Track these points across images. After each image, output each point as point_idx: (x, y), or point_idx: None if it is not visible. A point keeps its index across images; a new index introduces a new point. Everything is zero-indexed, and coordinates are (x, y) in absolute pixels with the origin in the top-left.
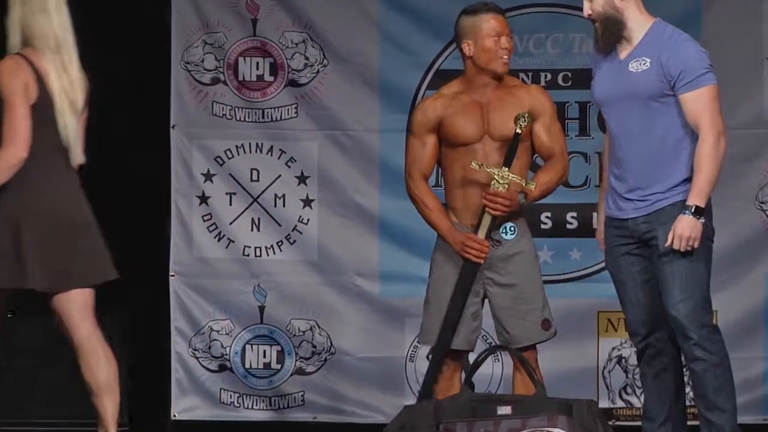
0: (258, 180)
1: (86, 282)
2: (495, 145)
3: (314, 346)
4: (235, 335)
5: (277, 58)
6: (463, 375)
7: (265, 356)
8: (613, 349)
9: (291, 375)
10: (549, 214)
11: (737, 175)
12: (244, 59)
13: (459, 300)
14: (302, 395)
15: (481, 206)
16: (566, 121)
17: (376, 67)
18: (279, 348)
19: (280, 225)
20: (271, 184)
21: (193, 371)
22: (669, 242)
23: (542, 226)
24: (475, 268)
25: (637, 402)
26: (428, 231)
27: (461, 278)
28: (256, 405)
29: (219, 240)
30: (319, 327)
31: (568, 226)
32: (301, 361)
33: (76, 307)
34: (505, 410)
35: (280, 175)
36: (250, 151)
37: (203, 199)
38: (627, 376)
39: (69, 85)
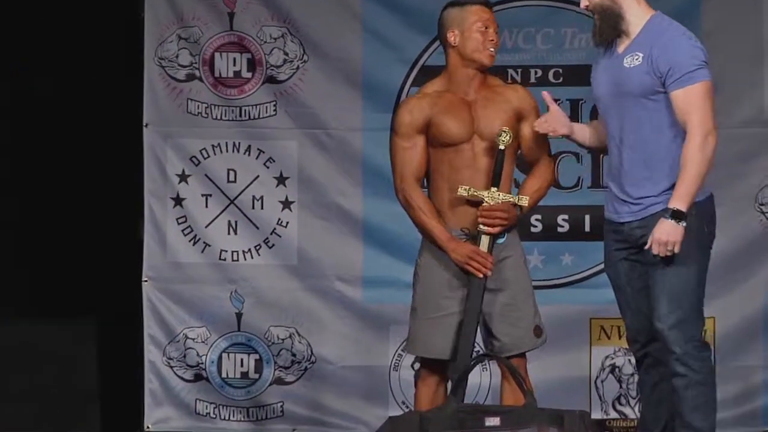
0: (235, 181)
1: None
2: (484, 145)
3: (294, 355)
4: (211, 343)
5: (255, 53)
6: (449, 385)
7: (242, 365)
8: (607, 357)
9: (270, 385)
10: (539, 217)
11: (735, 176)
12: (221, 55)
13: (473, 322)
14: (281, 406)
15: (468, 209)
16: None
17: (358, 63)
18: (257, 356)
19: (258, 228)
20: (248, 186)
21: (167, 381)
22: (648, 246)
23: (532, 230)
24: (480, 284)
25: (632, 413)
26: (414, 234)
27: (470, 298)
28: (233, 416)
29: (194, 244)
30: (299, 335)
31: (559, 230)
32: (281, 371)
33: None
34: (493, 422)
35: (258, 176)
36: (227, 151)
37: (178, 200)
38: (621, 386)
39: None
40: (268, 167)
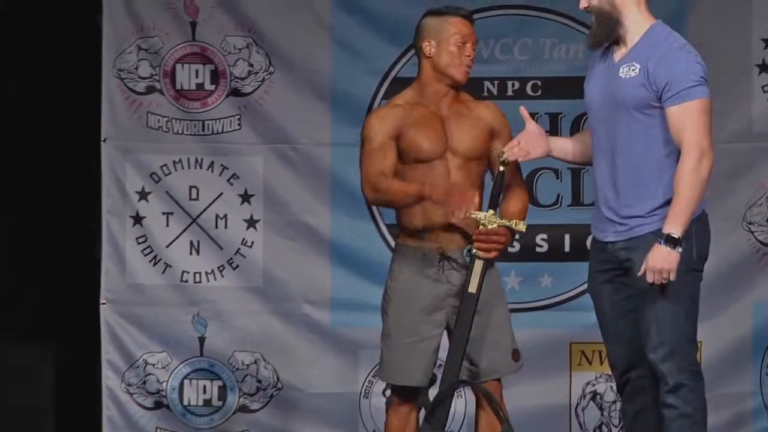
0: (197, 198)
1: None
2: (457, 162)
3: (259, 381)
4: (173, 369)
5: (218, 64)
6: (422, 413)
7: (205, 392)
8: (587, 384)
9: (234, 413)
10: (517, 237)
11: (723, 193)
12: (183, 66)
13: (465, 334)
14: None
15: (442, 229)
16: None
17: (327, 75)
18: (220, 383)
19: (221, 248)
20: (211, 204)
21: (126, 408)
22: (641, 273)
23: (509, 249)
24: (472, 299)
25: None
26: (385, 254)
27: (461, 314)
28: None
29: (155, 264)
30: (265, 360)
31: (538, 250)
32: (245, 398)
33: None
34: None
35: (221, 194)
36: (189, 167)
37: (137, 219)
38: (602, 414)
39: None
40: (232, 184)
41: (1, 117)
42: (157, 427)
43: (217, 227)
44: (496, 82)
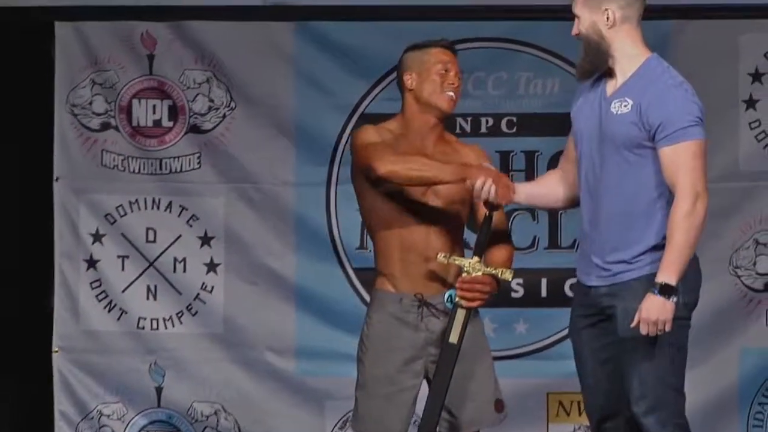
0: (155, 241)
1: None
2: (440, 204)
3: None
4: (129, 421)
5: (176, 100)
6: None
7: None
8: None
9: None
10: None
11: (708, 236)
12: (139, 101)
13: (444, 386)
14: None
15: (422, 273)
16: (511, 173)
17: (291, 111)
18: None
19: (180, 293)
20: (169, 246)
21: None
22: (635, 324)
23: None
24: (454, 348)
25: None
26: (352, 300)
27: (441, 361)
28: None
29: (110, 310)
30: (226, 411)
31: (513, 295)
32: None
33: None
34: None
35: (180, 236)
36: (146, 208)
37: (91, 263)
38: None
39: None
40: (191, 226)
41: None
42: None
43: (175, 271)
44: (469, 119)
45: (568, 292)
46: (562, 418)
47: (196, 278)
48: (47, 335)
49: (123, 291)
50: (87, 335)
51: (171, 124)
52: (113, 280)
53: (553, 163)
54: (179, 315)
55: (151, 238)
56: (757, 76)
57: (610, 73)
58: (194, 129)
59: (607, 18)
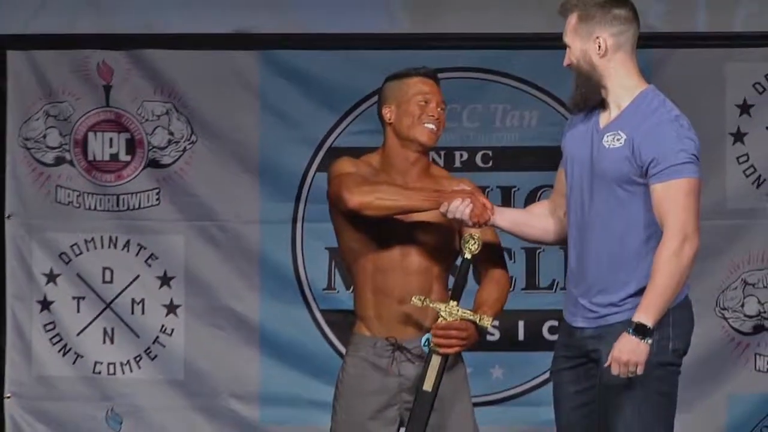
0: (111, 281)
1: None
2: (415, 248)
3: None
4: None
5: (134, 133)
6: None
7: None
8: None
9: None
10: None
11: (693, 276)
12: (95, 134)
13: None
14: None
15: (397, 317)
16: None
17: (255, 144)
18: None
19: (138, 336)
20: (127, 287)
21: None
22: (607, 364)
23: None
24: (429, 396)
25: None
26: (320, 344)
27: (416, 409)
28: None
29: (64, 355)
30: None
31: (489, 338)
32: None
33: None
34: None
35: (138, 276)
36: (102, 246)
37: (45, 304)
38: None
39: None
40: (150, 265)
41: None
42: None
43: (133, 313)
44: (442, 153)
45: (547, 335)
46: None
47: (155, 321)
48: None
49: (78, 334)
50: (40, 380)
51: (129, 158)
52: (68, 323)
53: (530, 199)
54: (137, 359)
55: (107, 278)
56: (745, 108)
57: (603, 105)
58: (153, 163)
59: (599, 47)
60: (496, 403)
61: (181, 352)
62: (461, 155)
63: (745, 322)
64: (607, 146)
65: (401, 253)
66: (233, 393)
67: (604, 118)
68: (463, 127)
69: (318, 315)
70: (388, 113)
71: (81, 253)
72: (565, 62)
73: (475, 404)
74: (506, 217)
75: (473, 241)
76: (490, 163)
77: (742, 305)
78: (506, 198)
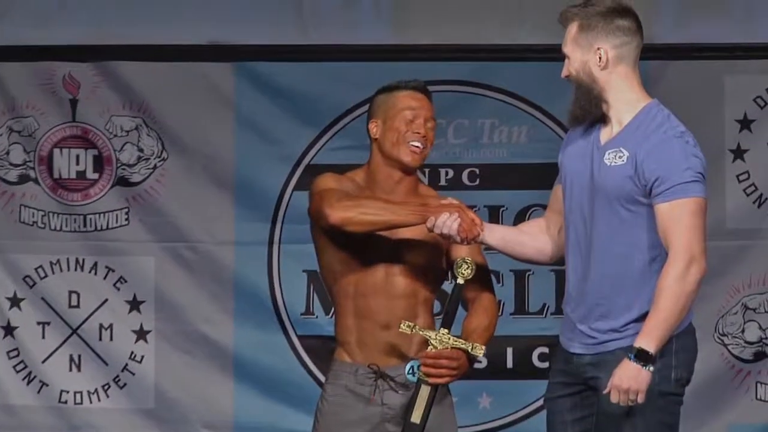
0: (78, 306)
1: None
2: (400, 267)
3: None
4: None
5: (102, 149)
6: None
7: None
8: None
9: None
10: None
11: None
12: (61, 151)
13: None
14: None
15: (380, 343)
16: None
17: (230, 162)
18: None
19: (106, 364)
20: (94, 312)
21: None
22: (606, 390)
23: None
24: (418, 428)
25: None
26: (296, 371)
27: None
28: None
29: (29, 383)
30: None
31: (476, 365)
32: None
33: None
34: None
35: (106, 300)
36: (69, 269)
37: (8, 330)
38: None
39: None
40: (118, 289)
41: None
42: None
43: (101, 339)
44: (426, 170)
45: (537, 362)
46: None
47: (124, 347)
48: None
49: (43, 361)
50: (4, 410)
51: (96, 176)
52: (32, 349)
53: (519, 219)
54: (105, 388)
55: (74, 302)
56: (745, 123)
57: (604, 120)
58: (122, 182)
59: (600, 58)
60: None
61: (152, 380)
62: (447, 173)
63: (745, 349)
64: (609, 164)
65: (385, 274)
66: (206, 423)
67: (605, 134)
68: (448, 143)
69: (295, 341)
70: (374, 128)
71: (46, 276)
72: (564, 73)
73: None
74: (496, 235)
75: (467, 266)
76: (477, 181)
77: (743, 331)
78: (494, 218)
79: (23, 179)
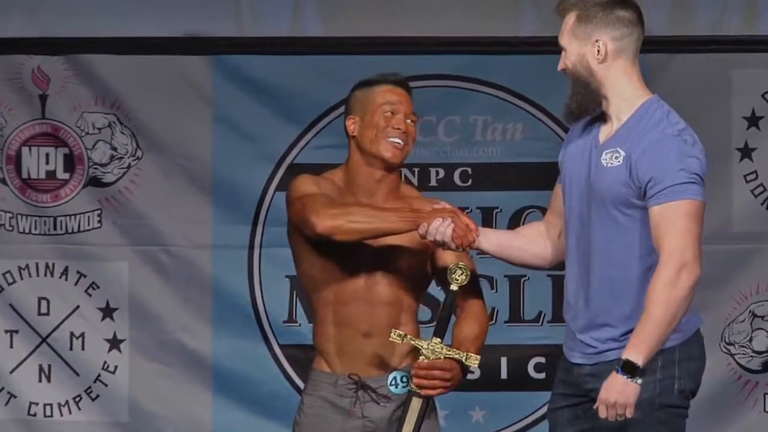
0: (48, 313)
1: None
2: (382, 276)
3: None
4: None
5: (73, 148)
6: None
7: None
8: None
9: None
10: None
11: (696, 307)
12: (30, 150)
13: None
14: None
15: (361, 352)
16: None
17: (207, 161)
18: None
19: (78, 374)
20: (65, 319)
21: None
22: (595, 406)
23: None
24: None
25: None
26: (278, 382)
27: None
28: None
29: None
30: None
31: (468, 377)
32: None
33: None
34: None
35: (78, 307)
36: (38, 274)
37: None
38: None
39: None
40: (90, 295)
41: None
42: None
43: (72, 348)
44: (416, 170)
45: (533, 373)
46: None
47: (97, 357)
48: None
49: (11, 372)
50: None
51: (67, 176)
52: (0, 359)
53: (514, 221)
54: (77, 400)
55: (44, 309)
56: (753, 120)
57: (603, 117)
58: (94, 182)
59: (598, 51)
60: None
61: (125, 392)
62: (437, 172)
63: (753, 359)
64: (605, 165)
65: (367, 281)
66: None
67: (604, 132)
68: (439, 141)
69: (277, 350)
70: (351, 125)
71: (14, 282)
72: (560, 66)
73: None
74: (492, 240)
75: (461, 272)
76: (470, 182)
77: (750, 340)
78: (487, 220)
79: None
